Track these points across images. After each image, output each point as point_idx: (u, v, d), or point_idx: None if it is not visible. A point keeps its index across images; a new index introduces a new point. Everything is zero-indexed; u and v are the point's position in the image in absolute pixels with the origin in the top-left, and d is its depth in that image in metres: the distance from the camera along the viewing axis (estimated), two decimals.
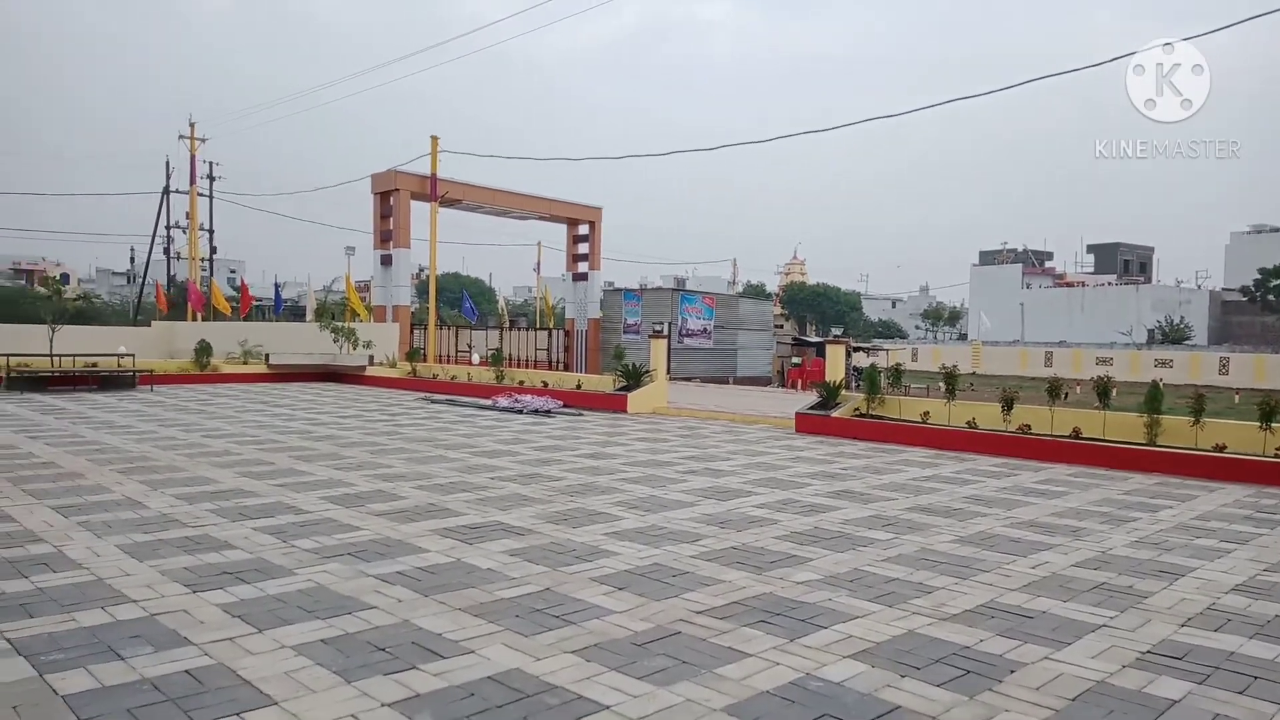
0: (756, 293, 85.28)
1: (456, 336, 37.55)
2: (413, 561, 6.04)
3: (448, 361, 31.07)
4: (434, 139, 29.44)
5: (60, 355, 21.51)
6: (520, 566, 5.98)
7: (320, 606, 5.01)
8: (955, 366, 14.88)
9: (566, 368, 35.30)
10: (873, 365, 16.79)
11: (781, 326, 56.67)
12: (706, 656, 4.37)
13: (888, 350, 41.60)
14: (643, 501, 8.50)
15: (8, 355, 20.61)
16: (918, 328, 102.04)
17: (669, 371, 22.03)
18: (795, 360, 36.84)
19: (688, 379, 31.84)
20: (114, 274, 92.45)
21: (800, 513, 8.15)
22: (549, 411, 17.57)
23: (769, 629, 4.81)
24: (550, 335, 38.24)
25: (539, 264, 54.72)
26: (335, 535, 6.77)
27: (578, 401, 19.08)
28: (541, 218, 38.00)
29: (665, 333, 25.12)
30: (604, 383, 20.23)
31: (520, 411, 17.51)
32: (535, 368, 30.72)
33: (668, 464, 11.08)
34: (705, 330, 38.72)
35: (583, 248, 38.65)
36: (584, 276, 38.58)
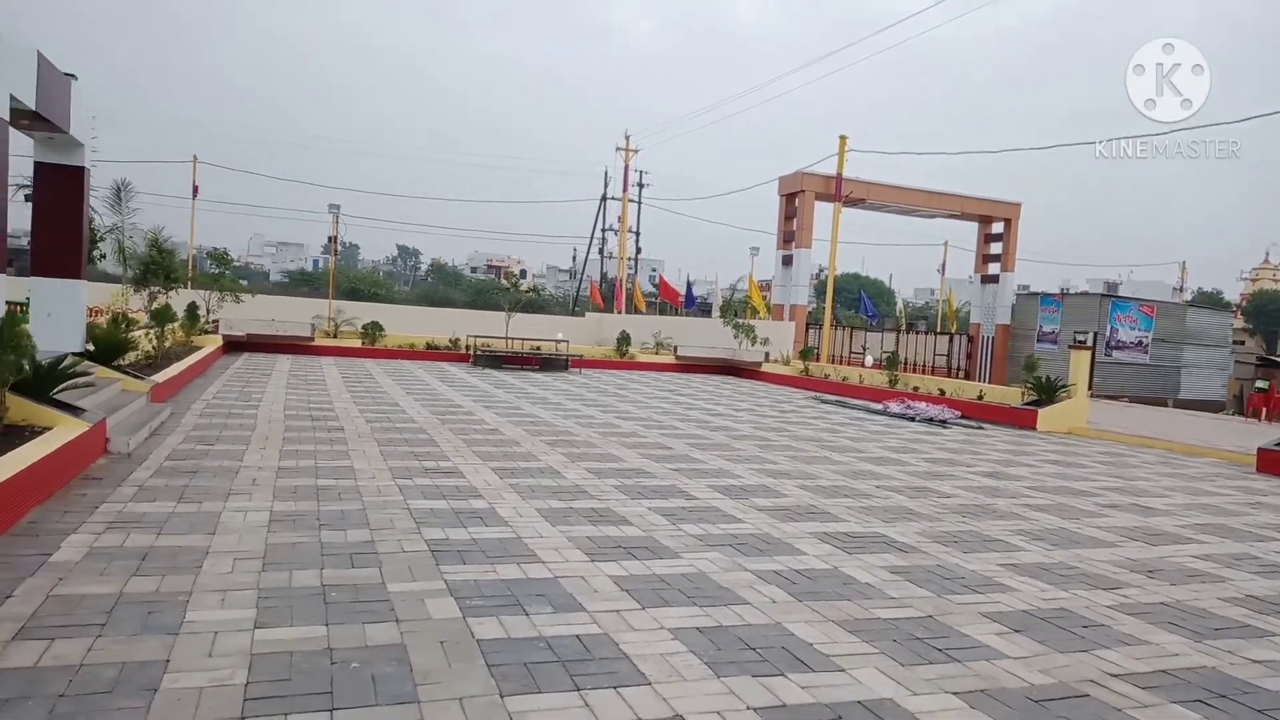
0: (1211, 301, 72.42)
1: (851, 337, 37.16)
2: (789, 562, 5.98)
3: (840, 362, 30.83)
4: (842, 139, 29.27)
5: (512, 338, 25.24)
6: (901, 586, 5.61)
7: (699, 594, 5.14)
8: None
9: (968, 376, 33.08)
10: None
11: (1243, 343, 47.51)
12: None
13: None
14: (1049, 533, 7.56)
15: (476, 337, 24.74)
16: None
17: (1090, 387, 19.55)
18: (1260, 384, 30.56)
19: (1113, 397, 28.03)
20: (559, 270, 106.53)
21: (1260, 572, 6.64)
22: (944, 421, 16.55)
23: (1211, 714, 3.93)
24: (951, 340, 36.13)
25: (944, 264, 51.96)
26: (719, 525, 6.96)
27: (978, 413, 17.72)
28: (950, 215, 35.99)
29: (1089, 343, 22.30)
30: (1010, 395, 18.54)
31: (912, 419, 16.73)
32: (932, 374, 29.23)
33: (1083, 493, 9.76)
34: (1140, 343, 33.80)
35: (995, 247, 35.90)
36: (994, 279, 35.82)
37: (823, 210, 31.65)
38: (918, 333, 39.81)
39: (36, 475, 6.11)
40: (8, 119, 8.88)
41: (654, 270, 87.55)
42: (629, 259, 47.62)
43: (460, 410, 13.50)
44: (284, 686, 3.56)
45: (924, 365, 33.21)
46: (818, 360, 27.12)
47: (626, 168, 44.17)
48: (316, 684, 3.60)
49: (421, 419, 12.11)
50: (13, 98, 8.96)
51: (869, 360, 29.07)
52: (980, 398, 18.65)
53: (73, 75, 11.13)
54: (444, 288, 78.32)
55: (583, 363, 25.55)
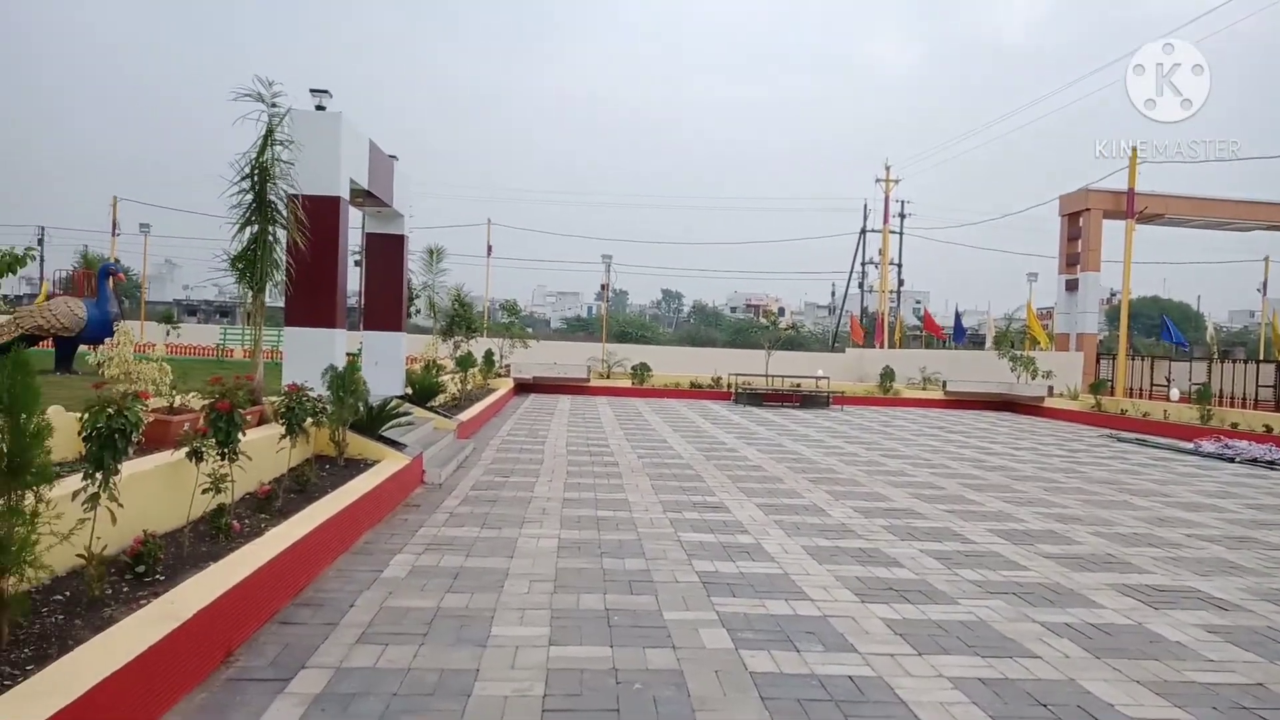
0: None
1: (1151, 368, 33.19)
2: (1084, 615, 5.52)
3: (1138, 396, 27.69)
4: (1133, 150, 26.61)
5: (772, 376, 25.37)
6: (1221, 648, 4.98)
7: (980, 642, 4.91)
8: None
9: None
10: None
11: None
12: None
13: None
14: None
15: (736, 375, 25.18)
16: None
17: None
18: None
19: None
20: (818, 306, 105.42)
21: None
22: (1272, 462, 14.35)
23: None
24: (1278, 369, 31.18)
25: (1265, 283, 45.15)
26: (1000, 571, 6.57)
27: None
28: (1270, 227, 31.39)
29: None
30: None
31: (1231, 459, 14.68)
32: (1255, 408, 25.41)
33: None
34: None
35: None
36: None
37: (1111, 229, 28.89)
38: (1235, 361, 34.79)
39: (370, 502, 7.13)
40: (348, 199, 10.53)
41: (918, 302, 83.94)
42: (890, 292, 46.15)
43: (724, 447, 13.80)
44: (576, 701, 3.88)
45: (1244, 398, 28.95)
46: (1112, 394, 24.62)
47: (887, 199, 43.17)
48: (604, 701, 3.89)
49: (688, 455, 12.53)
50: (352, 181, 10.63)
51: (1174, 393, 25.88)
52: None
53: (395, 156, 12.94)
54: (705, 328, 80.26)
55: (844, 399, 25.07)
